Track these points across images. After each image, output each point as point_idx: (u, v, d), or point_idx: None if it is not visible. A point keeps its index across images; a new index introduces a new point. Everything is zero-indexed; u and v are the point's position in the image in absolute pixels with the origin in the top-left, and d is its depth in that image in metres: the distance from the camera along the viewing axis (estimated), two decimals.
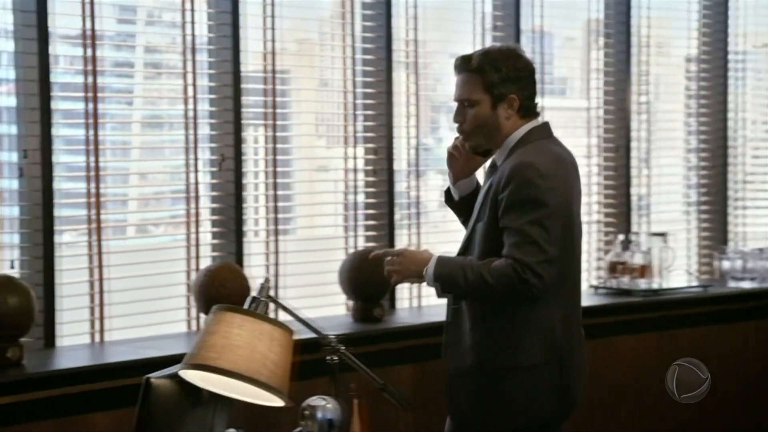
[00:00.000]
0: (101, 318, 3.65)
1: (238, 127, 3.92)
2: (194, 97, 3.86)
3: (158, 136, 4.14)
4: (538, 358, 2.57)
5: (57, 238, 3.54)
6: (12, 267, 3.46)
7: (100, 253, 3.64)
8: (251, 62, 4.02)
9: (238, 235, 3.93)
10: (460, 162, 2.70)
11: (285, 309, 2.47)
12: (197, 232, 3.88)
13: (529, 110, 2.63)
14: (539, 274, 2.48)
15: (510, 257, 2.49)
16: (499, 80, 2.56)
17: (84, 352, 3.52)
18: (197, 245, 3.89)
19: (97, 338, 3.64)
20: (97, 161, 3.64)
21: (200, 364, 2.30)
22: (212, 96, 3.94)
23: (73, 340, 3.59)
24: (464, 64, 2.60)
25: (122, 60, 4.02)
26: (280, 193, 4.07)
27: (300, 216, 4.38)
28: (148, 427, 2.33)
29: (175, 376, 2.37)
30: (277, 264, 4.05)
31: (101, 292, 3.65)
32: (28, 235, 3.51)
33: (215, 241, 3.97)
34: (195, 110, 3.86)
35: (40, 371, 3.20)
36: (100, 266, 3.65)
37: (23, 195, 3.51)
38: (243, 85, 3.93)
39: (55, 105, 3.53)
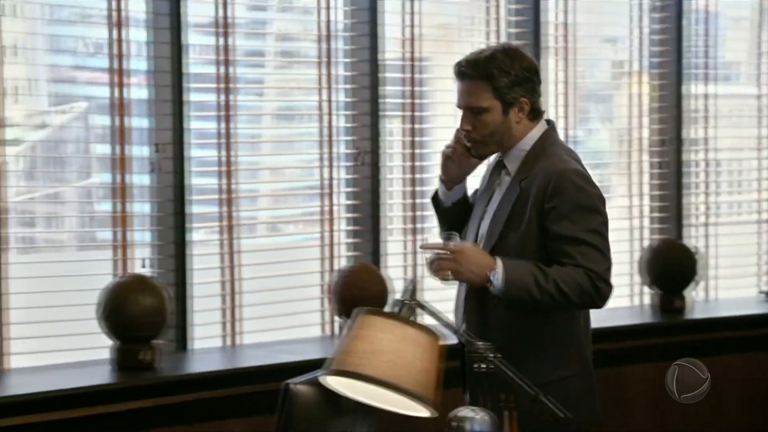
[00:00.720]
0: (233, 320, 3.75)
1: (375, 119, 3.97)
2: (329, 88, 3.91)
3: (291, 128, 4.22)
4: (575, 369, 2.67)
5: (189, 237, 3.65)
6: (143, 266, 3.58)
7: (231, 252, 3.74)
8: (389, 49, 4.05)
9: (375, 233, 3.98)
10: (456, 166, 2.73)
11: (432, 313, 2.47)
12: (332, 231, 3.94)
13: (537, 112, 2.70)
14: (609, 282, 2.59)
15: (579, 266, 2.56)
16: (508, 85, 2.61)
17: (217, 355, 3.62)
18: (332, 244, 3.94)
19: (229, 341, 3.74)
20: (228, 155, 3.74)
21: (343, 370, 2.32)
22: (349, 86, 3.99)
23: (206, 343, 3.69)
24: (470, 70, 2.61)
25: (254, 49, 4.11)
26: (418, 189, 4.10)
27: None
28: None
29: (315, 383, 2.40)
30: (415, 265, 4.08)
31: (233, 293, 3.74)
32: (160, 233, 3.63)
33: (351, 240, 4.02)
34: (330, 101, 3.92)
35: (173, 375, 3.31)
36: (232, 266, 3.74)
37: (155, 191, 3.63)
38: (381, 74, 3.97)
39: (187, 97, 3.65)
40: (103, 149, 3.73)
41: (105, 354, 3.38)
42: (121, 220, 3.54)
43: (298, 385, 2.41)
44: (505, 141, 2.66)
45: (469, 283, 2.67)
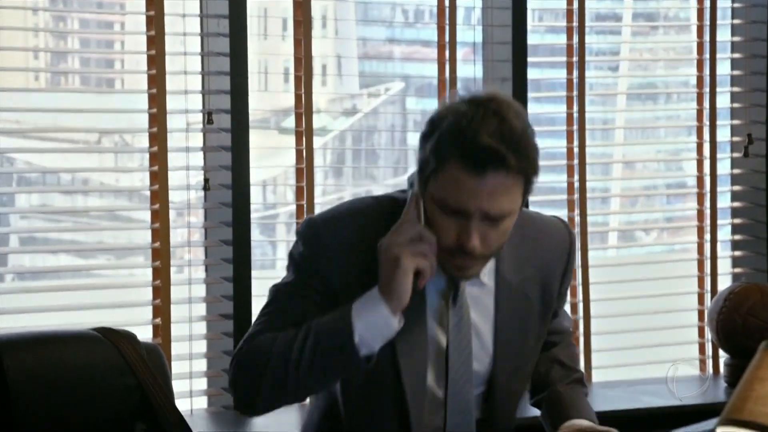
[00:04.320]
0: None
1: None
2: (711, 58, 3.84)
3: (653, 111, 4.17)
4: None
5: None
6: None
7: (585, 266, 3.75)
8: None
9: None
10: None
11: None
12: (713, 241, 3.87)
13: None
14: None
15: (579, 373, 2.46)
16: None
17: None
18: (712, 258, 3.87)
19: None
20: (571, 145, 3.76)
21: (741, 419, 2.27)
22: (736, 55, 3.92)
23: None
24: (514, 159, 2.02)
25: (606, 12, 4.11)
26: None
27: None
28: None
29: None
30: None
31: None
32: None
33: (737, 253, 3.95)
34: (712, 75, 3.84)
35: None
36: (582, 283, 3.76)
37: None
38: None
39: (526, 73, 3.68)
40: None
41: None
42: None
43: None
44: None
45: None
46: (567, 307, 3.61)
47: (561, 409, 2.33)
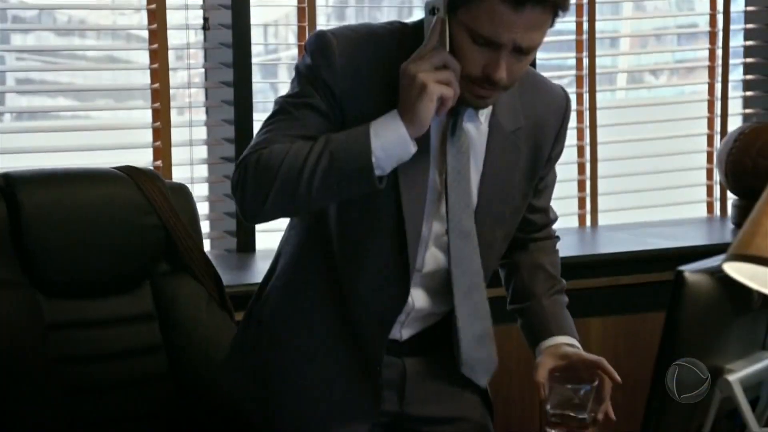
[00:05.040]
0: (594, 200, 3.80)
1: None
2: None
3: None
4: None
5: None
6: None
7: (593, 108, 3.74)
8: None
9: None
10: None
11: None
12: (724, 81, 3.86)
13: None
14: None
15: (561, 283, 2.43)
16: None
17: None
18: (723, 99, 3.87)
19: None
20: None
21: (749, 254, 2.29)
22: None
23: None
24: None
25: None
26: None
27: None
28: (678, 332, 2.37)
29: (714, 272, 2.39)
30: None
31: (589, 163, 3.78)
32: None
33: (749, 94, 3.95)
34: None
35: None
36: (591, 125, 3.77)
37: None
38: None
39: None
40: None
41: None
42: None
43: (693, 273, 2.41)
44: None
45: None
46: (573, 155, 3.68)
47: (543, 324, 2.36)
